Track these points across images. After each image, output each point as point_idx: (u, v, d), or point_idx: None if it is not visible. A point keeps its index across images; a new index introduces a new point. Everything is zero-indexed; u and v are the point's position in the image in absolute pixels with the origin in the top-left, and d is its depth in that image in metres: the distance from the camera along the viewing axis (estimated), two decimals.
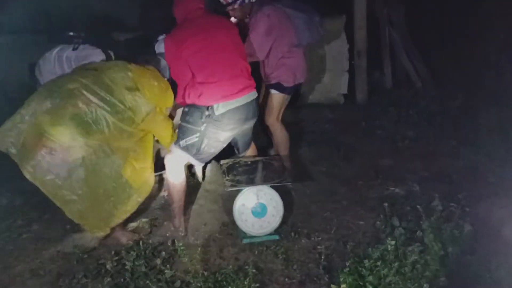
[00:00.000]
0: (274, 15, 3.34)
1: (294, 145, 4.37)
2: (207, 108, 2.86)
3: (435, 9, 5.38)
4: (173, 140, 2.98)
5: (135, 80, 2.76)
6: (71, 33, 3.07)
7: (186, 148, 2.93)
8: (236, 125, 2.96)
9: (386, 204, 2.97)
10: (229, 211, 3.07)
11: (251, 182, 2.97)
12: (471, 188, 3.25)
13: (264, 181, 2.98)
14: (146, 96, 2.76)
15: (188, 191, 3.15)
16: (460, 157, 3.73)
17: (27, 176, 2.63)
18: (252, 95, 3.00)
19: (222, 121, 2.88)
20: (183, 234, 3.04)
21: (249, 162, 3.25)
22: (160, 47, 3.06)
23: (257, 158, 3.36)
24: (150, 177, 2.94)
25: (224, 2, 3.31)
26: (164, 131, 2.94)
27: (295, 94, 5.34)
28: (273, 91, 3.57)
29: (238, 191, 2.93)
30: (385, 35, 5.38)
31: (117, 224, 2.87)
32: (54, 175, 2.61)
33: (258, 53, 3.37)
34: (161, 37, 3.11)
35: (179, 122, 3.01)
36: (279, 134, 3.72)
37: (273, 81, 3.53)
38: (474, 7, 4.89)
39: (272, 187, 2.95)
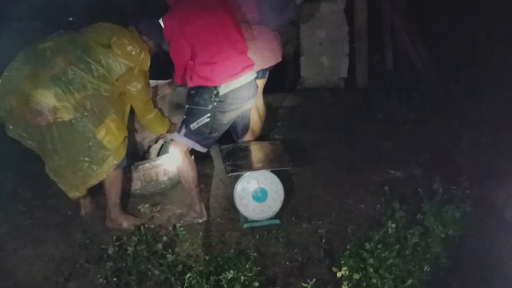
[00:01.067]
0: None
1: (295, 129, 4.37)
2: (215, 87, 2.82)
3: None
4: (149, 112, 3.03)
5: (113, 40, 2.80)
6: (71, 19, 3.07)
7: (198, 130, 2.86)
8: (239, 105, 2.93)
9: (387, 188, 2.97)
10: (230, 196, 3.07)
11: (251, 167, 2.96)
12: (472, 170, 3.24)
13: (265, 165, 2.97)
14: (121, 56, 2.80)
15: None
16: (463, 139, 3.70)
17: (9, 133, 2.81)
18: (252, 74, 2.97)
19: (226, 101, 2.85)
20: (205, 218, 3.05)
21: (250, 147, 3.24)
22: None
23: (258, 143, 3.35)
24: (126, 140, 2.94)
25: None
26: (140, 95, 2.95)
27: (295, 78, 5.35)
28: None
29: (239, 176, 2.93)
30: (386, 16, 5.31)
31: (93, 185, 2.91)
32: (47, 136, 2.76)
33: None
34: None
35: (186, 105, 2.96)
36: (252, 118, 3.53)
37: None
38: None
39: (273, 171, 2.94)
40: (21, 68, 2.75)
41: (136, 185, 3.35)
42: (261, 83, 3.48)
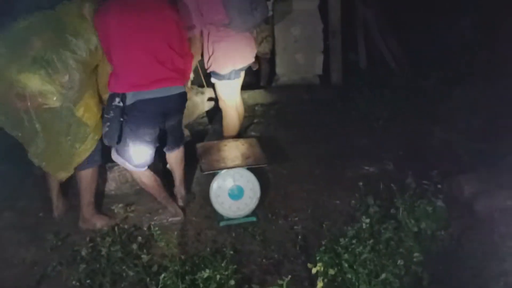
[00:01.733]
0: None
1: (270, 126, 4.38)
2: (119, 95, 2.68)
3: None
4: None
5: (84, 9, 2.72)
6: None
7: (106, 141, 2.80)
8: (154, 119, 2.76)
9: (361, 183, 3.01)
10: (205, 194, 3.05)
11: (227, 164, 2.95)
12: (444, 166, 3.31)
13: (241, 163, 2.96)
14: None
15: (164, 174, 3.12)
16: (434, 135, 3.78)
17: None
18: (172, 89, 2.74)
19: (133, 113, 2.69)
20: (181, 217, 3.02)
21: (225, 145, 3.23)
22: None
23: (233, 140, 3.34)
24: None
25: None
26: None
27: (271, 75, 5.36)
28: (212, 79, 3.46)
29: (214, 174, 2.91)
30: (359, 14, 5.37)
31: (78, 164, 2.85)
32: (26, 120, 2.69)
33: (194, 22, 3.10)
34: None
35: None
36: (228, 121, 3.60)
37: (208, 70, 3.38)
38: None
39: (249, 169, 2.94)
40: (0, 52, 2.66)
41: (110, 186, 3.31)
42: (235, 83, 3.50)
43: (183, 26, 2.86)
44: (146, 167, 2.90)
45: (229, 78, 3.39)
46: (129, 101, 2.68)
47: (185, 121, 3.59)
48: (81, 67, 2.68)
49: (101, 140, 2.86)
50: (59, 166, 2.83)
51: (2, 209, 3.19)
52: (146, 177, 2.94)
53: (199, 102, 4.16)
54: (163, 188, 3.03)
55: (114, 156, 2.88)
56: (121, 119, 2.72)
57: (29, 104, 2.64)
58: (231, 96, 3.54)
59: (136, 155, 2.80)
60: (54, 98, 2.65)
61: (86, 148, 2.81)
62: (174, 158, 3.09)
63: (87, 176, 2.91)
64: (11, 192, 3.34)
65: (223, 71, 3.34)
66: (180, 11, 2.94)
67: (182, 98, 2.88)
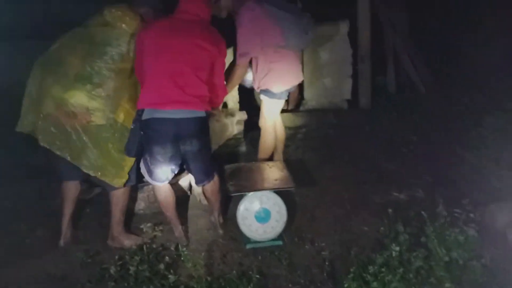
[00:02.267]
0: (258, 10, 3.24)
1: (298, 149, 4.38)
2: (139, 110, 2.78)
3: (439, 13, 5.38)
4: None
5: (107, 16, 2.81)
6: None
7: (125, 152, 2.87)
8: (164, 139, 2.74)
9: (390, 210, 2.96)
10: (232, 216, 3.06)
11: (254, 187, 2.96)
12: (475, 193, 3.24)
13: (268, 186, 2.97)
14: (120, 26, 2.80)
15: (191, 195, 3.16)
16: (465, 161, 3.71)
17: (41, 143, 2.80)
18: (186, 112, 2.71)
19: (147, 130, 2.74)
20: (185, 243, 3.00)
21: (253, 167, 3.25)
22: None
23: (261, 163, 3.36)
24: None
25: None
26: None
27: (299, 99, 5.38)
28: (262, 97, 3.55)
29: (242, 196, 2.93)
30: (388, 39, 5.38)
31: (130, 167, 2.91)
32: (74, 135, 2.78)
33: (250, 48, 3.25)
34: None
35: None
36: (265, 139, 3.65)
37: (262, 87, 3.48)
38: (479, 12, 4.89)
39: (276, 192, 2.94)
40: (39, 77, 2.78)
41: (140, 205, 3.37)
42: (282, 103, 3.63)
43: (220, 59, 2.91)
44: (164, 183, 2.93)
45: (279, 98, 3.53)
46: (144, 117, 2.75)
47: (214, 143, 3.62)
48: (113, 75, 2.77)
49: (136, 161, 2.93)
50: (113, 173, 2.88)
51: (34, 226, 3.28)
52: (161, 192, 2.98)
53: (229, 124, 4.20)
54: (174, 208, 3.03)
55: (141, 165, 2.95)
56: (141, 133, 2.80)
57: (77, 121, 2.74)
58: (273, 115, 3.66)
59: (152, 170, 2.86)
60: (100, 115, 2.76)
61: None
62: (209, 191, 3.07)
63: (120, 196, 2.97)
64: (42, 209, 3.42)
65: (277, 89, 3.47)
66: (238, 38, 3.21)
67: (198, 123, 2.77)
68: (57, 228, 3.20)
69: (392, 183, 3.64)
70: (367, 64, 5.17)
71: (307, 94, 5.20)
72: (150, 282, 2.53)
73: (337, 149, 4.31)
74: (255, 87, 3.57)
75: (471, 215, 2.85)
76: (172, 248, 2.95)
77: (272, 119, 3.65)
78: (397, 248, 2.49)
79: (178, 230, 3.04)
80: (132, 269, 2.59)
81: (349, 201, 3.47)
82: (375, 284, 2.27)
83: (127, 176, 2.92)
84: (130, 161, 2.89)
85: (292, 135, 4.69)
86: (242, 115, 4.12)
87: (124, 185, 2.93)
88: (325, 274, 2.64)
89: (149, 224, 3.14)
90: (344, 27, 5.04)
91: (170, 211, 3.02)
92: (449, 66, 5.17)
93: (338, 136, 4.66)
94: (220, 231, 3.10)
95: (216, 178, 3.01)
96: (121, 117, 2.83)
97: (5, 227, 3.28)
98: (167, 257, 2.76)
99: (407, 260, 2.49)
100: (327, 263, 2.69)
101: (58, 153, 2.80)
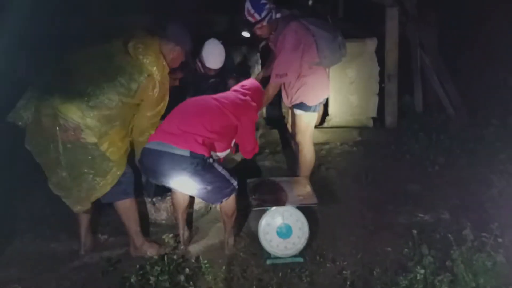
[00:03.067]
0: (300, 31, 3.36)
1: (321, 166, 4.34)
2: None
3: (469, 34, 5.31)
4: (151, 130, 2.94)
5: (130, 45, 2.80)
6: None
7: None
8: (149, 168, 2.87)
9: (415, 231, 2.89)
10: (253, 230, 3.05)
11: (277, 202, 2.95)
12: (504, 218, 3.13)
13: (290, 201, 2.95)
14: (137, 63, 2.79)
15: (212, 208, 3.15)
16: (493, 185, 3.61)
17: (26, 144, 2.82)
18: (172, 148, 2.73)
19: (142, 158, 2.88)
20: (182, 246, 3.10)
21: (276, 182, 3.23)
22: None
23: (284, 178, 3.34)
24: (127, 151, 2.92)
25: (253, 21, 3.33)
26: (150, 106, 2.89)
27: (323, 116, 5.36)
28: (298, 112, 3.56)
29: (264, 211, 2.91)
30: (416, 58, 5.32)
31: (97, 198, 2.87)
32: (52, 150, 2.74)
33: (290, 71, 3.37)
34: None
35: None
36: (305, 154, 3.68)
37: (297, 101, 3.52)
38: (509, 34, 4.81)
39: (298, 208, 2.92)
40: (48, 80, 2.78)
41: (162, 216, 3.39)
42: (316, 115, 3.69)
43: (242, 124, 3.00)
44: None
45: (314, 110, 3.57)
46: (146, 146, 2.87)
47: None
48: (114, 104, 2.73)
49: (133, 173, 2.95)
50: (77, 198, 2.84)
51: (58, 231, 3.33)
52: (176, 195, 3.09)
53: None
54: (183, 212, 3.14)
55: None
56: None
57: (65, 135, 2.68)
58: (311, 129, 3.69)
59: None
60: (90, 133, 2.70)
61: (107, 183, 2.82)
62: (221, 211, 3.05)
63: (125, 207, 2.97)
64: (67, 215, 3.46)
65: (312, 102, 3.52)
66: (279, 59, 3.35)
67: (179, 159, 2.73)
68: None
69: (417, 204, 3.57)
70: (393, 83, 5.12)
71: (332, 110, 5.18)
72: None
73: (361, 168, 4.27)
74: (287, 102, 3.61)
75: (500, 240, 2.75)
76: (193, 260, 2.95)
77: (310, 133, 3.69)
78: (422, 271, 2.42)
79: (180, 232, 3.12)
80: (152, 279, 2.60)
81: (372, 221, 3.41)
82: None
83: (89, 205, 2.89)
84: (99, 191, 2.83)
85: (315, 152, 4.65)
86: (265, 128, 4.13)
87: (120, 199, 2.93)
88: None
89: (171, 235, 3.14)
90: (371, 45, 5.02)
91: (177, 212, 3.12)
92: (479, 87, 5.08)
93: (362, 154, 4.61)
94: (227, 252, 3.07)
95: (230, 199, 2.94)
96: (105, 146, 2.76)
97: (30, 231, 3.34)
98: (187, 269, 2.76)
99: (432, 284, 2.42)
100: (348, 283, 2.64)
101: (36, 158, 2.81)
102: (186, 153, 2.72)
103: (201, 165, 2.75)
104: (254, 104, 3.10)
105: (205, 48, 3.73)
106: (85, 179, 2.78)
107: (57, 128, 2.68)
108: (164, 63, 2.92)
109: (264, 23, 3.34)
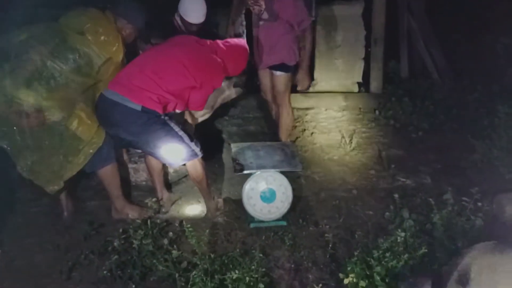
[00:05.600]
0: None
1: (306, 132, 4.34)
2: None
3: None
4: None
5: (86, 26, 2.71)
6: None
7: None
8: (101, 116, 2.82)
9: (396, 195, 2.93)
10: (237, 194, 3.05)
11: (261, 166, 2.94)
12: (485, 183, 3.19)
13: (275, 166, 2.95)
14: (95, 45, 2.71)
15: None
16: (475, 151, 3.64)
17: None
18: (125, 100, 2.69)
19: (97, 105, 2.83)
20: (163, 209, 3.14)
21: (260, 147, 3.22)
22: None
23: (269, 143, 3.32)
24: (100, 129, 2.86)
25: None
26: None
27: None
28: (278, 73, 3.51)
29: (248, 175, 2.91)
30: (403, 23, 5.25)
31: (70, 177, 2.85)
32: (17, 133, 2.68)
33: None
34: None
35: None
36: (286, 116, 3.67)
37: (276, 62, 3.47)
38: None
39: (282, 172, 2.92)
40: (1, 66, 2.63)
41: (141, 177, 3.37)
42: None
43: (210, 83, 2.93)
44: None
45: (293, 72, 3.56)
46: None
47: (207, 107, 3.48)
48: (72, 84, 2.68)
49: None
50: (49, 179, 2.81)
51: (40, 196, 3.29)
52: (146, 158, 3.12)
53: (224, 87, 3.95)
54: (158, 175, 3.17)
55: None
56: None
57: (27, 121, 2.62)
58: (289, 90, 3.65)
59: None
60: (55, 112, 2.66)
61: (79, 161, 2.80)
62: (190, 176, 3.06)
63: (107, 174, 2.95)
64: None
65: (293, 62, 3.50)
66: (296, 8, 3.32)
67: (130, 112, 2.70)
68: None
69: (399, 169, 3.60)
70: (380, 47, 5.04)
71: (317, 75, 5.12)
72: (153, 256, 2.53)
73: (345, 133, 4.27)
74: (264, 65, 3.54)
75: (479, 204, 2.81)
76: (176, 224, 2.95)
77: (289, 94, 3.66)
78: (402, 234, 2.45)
79: (158, 195, 3.16)
80: (135, 242, 2.59)
81: (355, 185, 3.44)
82: (378, 268, 2.24)
83: (62, 184, 2.84)
84: (71, 170, 2.81)
85: (299, 116, 4.64)
86: (240, 77, 3.95)
87: (102, 167, 2.90)
88: (328, 257, 2.64)
89: (154, 199, 3.12)
90: (358, 8, 4.91)
91: (153, 175, 3.14)
92: (466, 53, 5.06)
93: (347, 119, 4.61)
94: (209, 216, 3.08)
95: (194, 165, 2.92)
96: (74, 124, 2.72)
97: (10, 196, 3.29)
98: (171, 233, 2.76)
99: (412, 246, 2.46)
100: (330, 246, 2.67)
101: (2, 143, 2.72)
102: (138, 107, 2.70)
103: (153, 121, 2.72)
104: (224, 69, 2.99)
105: (184, 1, 3.33)
106: (56, 160, 2.75)
107: (18, 115, 2.61)
108: (121, 44, 2.84)
109: None
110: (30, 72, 2.58)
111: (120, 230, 2.78)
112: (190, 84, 2.82)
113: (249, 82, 4.09)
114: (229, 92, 3.86)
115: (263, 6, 3.35)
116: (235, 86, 3.93)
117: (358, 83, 5.14)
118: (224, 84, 3.90)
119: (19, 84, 2.58)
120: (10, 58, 2.61)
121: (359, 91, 5.13)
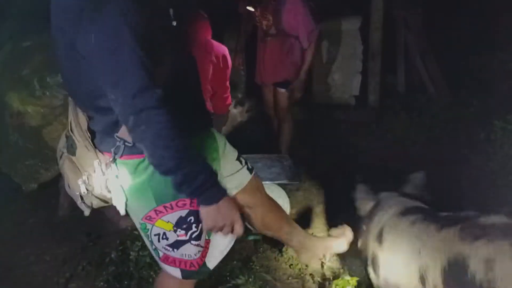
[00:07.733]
0: None
1: (302, 143, 4.35)
2: None
3: (454, 14, 5.32)
4: None
5: None
6: None
7: None
8: None
9: None
10: None
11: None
12: (481, 197, 3.21)
13: (272, 178, 2.96)
14: None
15: None
16: (472, 165, 3.67)
17: None
18: None
19: None
20: None
21: (257, 159, 3.23)
22: None
23: (266, 155, 3.35)
24: None
25: None
26: None
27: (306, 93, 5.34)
28: (282, 90, 3.57)
29: None
30: (401, 38, 5.32)
31: (46, 181, 2.88)
32: None
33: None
34: None
35: None
36: (287, 130, 3.75)
37: (280, 80, 3.55)
38: (495, 15, 4.83)
39: (279, 185, 2.93)
40: None
41: None
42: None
43: None
44: None
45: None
46: None
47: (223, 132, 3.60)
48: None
49: None
50: (26, 179, 2.85)
51: (37, 206, 3.29)
52: None
53: (237, 115, 4.11)
54: None
55: None
56: None
57: (10, 120, 2.67)
58: (290, 104, 3.72)
59: None
60: (34, 119, 2.68)
61: (55, 168, 2.75)
62: None
63: None
64: (46, 190, 3.42)
65: (295, 78, 3.55)
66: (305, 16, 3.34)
67: None
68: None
69: (397, 183, 3.61)
70: (377, 61, 5.10)
71: (314, 87, 5.17)
72: (150, 268, 2.53)
73: (342, 146, 4.29)
74: (268, 80, 3.60)
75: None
76: None
77: (290, 109, 3.73)
78: None
79: None
80: (133, 254, 2.60)
81: (352, 198, 3.44)
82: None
83: (36, 187, 2.89)
84: (46, 176, 2.85)
85: (296, 128, 4.65)
86: (251, 104, 4.05)
87: None
88: (325, 269, 2.64)
89: None
90: (355, 23, 4.99)
91: None
92: (462, 68, 5.11)
93: (343, 132, 4.63)
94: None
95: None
96: (51, 134, 2.72)
97: (8, 206, 3.29)
98: None
99: None
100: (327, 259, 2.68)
101: None
102: None
103: None
104: None
105: None
106: (33, 163, 2.79)
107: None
108: None
109: None
110: (19, 77, 2.63)
111: (118, 242, 2.79)
112: None
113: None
114: (242, 118, 4.06)
115: (271, 21, 3.37)
116: (247, 112, 4.04)
117: (355, 96, 5.19)
118: (236, 111, 3.97)
119: (6, 87, 2.64)
120: (4, 61, 2.69)
121: (356, 105, 5.18)
